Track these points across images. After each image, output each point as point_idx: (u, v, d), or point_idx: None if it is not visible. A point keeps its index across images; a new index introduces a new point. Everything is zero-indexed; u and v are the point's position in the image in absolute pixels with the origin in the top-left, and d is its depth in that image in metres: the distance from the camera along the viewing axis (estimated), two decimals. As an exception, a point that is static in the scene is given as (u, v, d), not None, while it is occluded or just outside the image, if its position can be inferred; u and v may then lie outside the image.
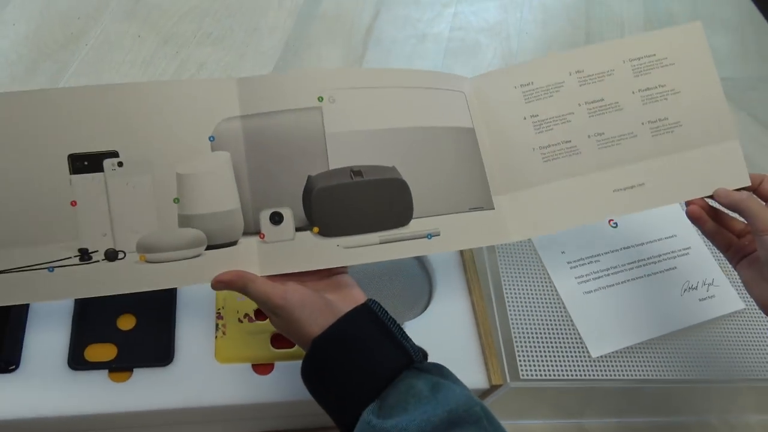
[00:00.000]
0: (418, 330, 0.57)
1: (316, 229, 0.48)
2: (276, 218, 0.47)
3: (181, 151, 0.46)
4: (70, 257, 0.45)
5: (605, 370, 0.58)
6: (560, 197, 0.54)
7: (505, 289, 0.61)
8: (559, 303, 0.61)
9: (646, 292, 0.64)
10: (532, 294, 0.62)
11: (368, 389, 0.42)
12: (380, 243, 0.49)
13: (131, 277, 0.45)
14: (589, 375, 0.58)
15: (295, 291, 0.45)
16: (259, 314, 0.57)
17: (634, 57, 0.56)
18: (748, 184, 0.55)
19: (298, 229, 0.47)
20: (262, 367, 0.55)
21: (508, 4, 1.09)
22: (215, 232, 0.46)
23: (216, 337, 0.55)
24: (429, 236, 0.50)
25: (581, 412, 0.68)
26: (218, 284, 0.45)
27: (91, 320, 0.54)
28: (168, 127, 0.46)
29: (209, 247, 0.46)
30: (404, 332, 0.44)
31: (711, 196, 0.55)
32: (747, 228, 0.55)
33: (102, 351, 0.53)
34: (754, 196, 0.53)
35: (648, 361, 0.59)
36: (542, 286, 0.62)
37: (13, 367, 0.50)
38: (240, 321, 0.56)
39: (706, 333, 0.63)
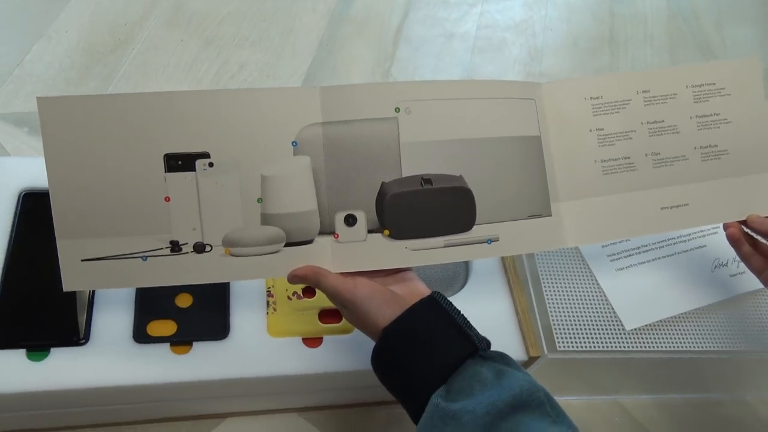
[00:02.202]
0: (457, 306, 0.59)
1: (386, 232, 0.51)
2: (350, 220, 0.50)
3: (266, 155, 0.49)
4: (162, 248, 0.49)
5: (639, 342, 0.60)
6: (614, 210, 0.57)
7: (540, 266, 0.64)
8: (592, 279, 0.64)
9: (677, 269, 0.66)
10: (565, 271, 0.64)
11: (436, 376, 0.44)
12: (444, 246, 0.52)
13: (216, 269, 0.49)
14: (624, 347, 0.60)
15: (363, 285, 0.48)
16: (307, 292, 0.60)
17: (697, 83, 0.58)
18: None
19: (370, 231, 0.51)
20: (311, 341, 0.58)
21: (533, 2, 1.12)
22: (294, 230, 0.50)
23: (267, 313, 0.58)
24: (489, 241, 0.53)
25: (617, 389, 0.70)
26: (294, 278, 0.49)
27: (152, 299, 0.57)
28: (255, 132, 0.49)
29: (288, 244, 0.50)
30: (468, 322, 0.47)
31: (744, 221, 0.59)
32: None
33: (163, 327, 0.56)
34: None
35: (681, 334, 0.61)
36: (576, 263, 0.65)
37: (84, 340, 0.54)
38: (289, 299, 0.60)
39: (739, 307, 0.64)
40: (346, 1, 1.02)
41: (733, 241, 0.59)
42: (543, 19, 1.10)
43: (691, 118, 0.58)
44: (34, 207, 0.59)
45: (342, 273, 0.49)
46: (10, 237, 0.57)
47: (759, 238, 0.59)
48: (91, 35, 0.88)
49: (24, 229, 0.58)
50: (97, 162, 0.47)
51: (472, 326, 0.47)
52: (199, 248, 0.49)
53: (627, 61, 1.07)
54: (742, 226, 0.59)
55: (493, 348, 0.47)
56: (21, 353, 0.52)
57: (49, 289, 0.55)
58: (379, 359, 0.47)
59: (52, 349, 0.53)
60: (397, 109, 0.51)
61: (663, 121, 0.58)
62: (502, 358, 0.46)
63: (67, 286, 0.48)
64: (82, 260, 0.48)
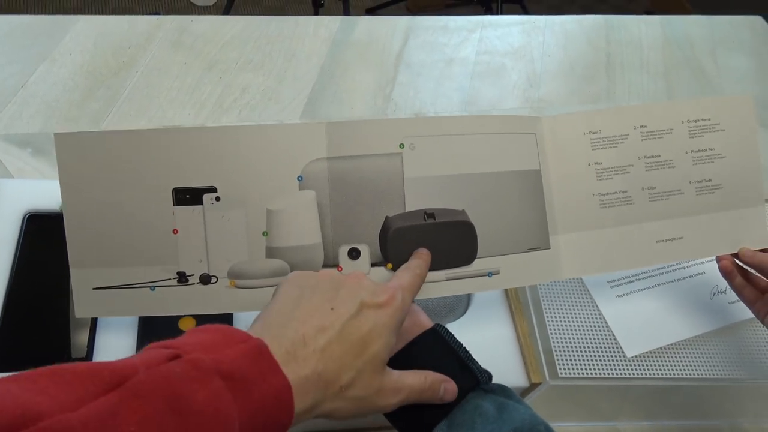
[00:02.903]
0: (457, 333, 0.59)
1: (389, 265, 0.52)
2: (354, 253, 0.51)
3: (272, 189, 0.50)
4: (170, 279, 0.50)
5: (640, 369, 0.60)
6: (610, 243, 0.58)
7: (541, 293, 0.64)
8: (593, 306, 0.64)
9: (677, 296, 0.66)
10: (567, 297, 0.65)
11: (437, 409, 0.44)
12: (446, 280, 0.53)
13: (221, 300, 0.50)
14: (625, 373, 0.60)
15: None
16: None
17: (692, 119, 0.60)
18: None
19: (373, 265, 0.52)
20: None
21: (531, 28, 1.14)
22: (298, 263, 0.51)
23: (270, 338, 0.58)
24: (489, 274, 0.54)
25: (616, 415, 0.70)
26: None
27: (155, 321, 0.57)
28: (262, 167, 0.50)
29: None
30: (470, 355, 0.47)
31: (736, 254, 0.60)
32: None
33: (165, 350, 0.56)
34: None
35: (681, 361, 0.62)
36: (577, 290, 0.65)
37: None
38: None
39: (738, 334, 0.65)
40: (347, 26, 1.04)
41: (726, 273, 0.61)
42: (541, 45, 1.11)
43: (686, 152, 0.60)
44: (38, 229, 0.60)
45: None
46: (14, 258, 0.57)
47: (751, 270, 0.60)
48: (95, 58, 0.89)
49: (28, 251, 0.58)
50: (109, 195, 0.49)
51: (473, 359, 0.47)
52: (205, 279, 0.50)
53: (624, 86, 1.08)
54: (735, 259, 0.61)
55: (495, 373, 0.48)
56: (23, 377, 0.52)
57: (53, 309, 0.55)
58: None
59: (55, 372, 0.53)
60: (402, 145, 0.52)
61: (659, 155, 0.59)
62: (503, 390, 0.46)
63: (79, 313, 0.50)
64: (94, 288, 0.49)
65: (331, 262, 0.51)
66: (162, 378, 0.31)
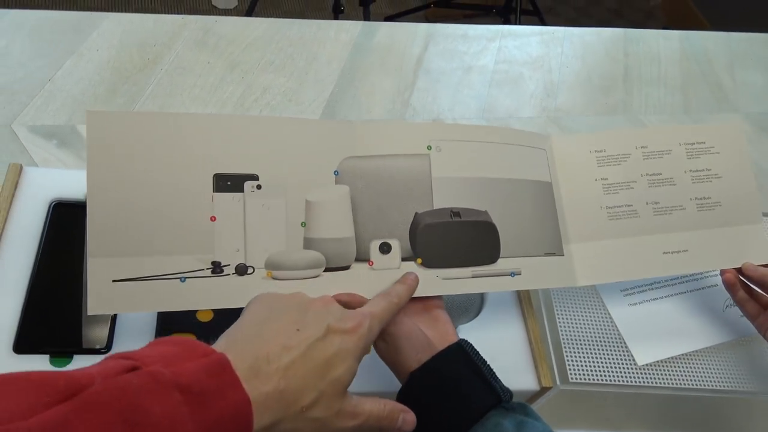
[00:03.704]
0: (470, 335, 0.60)
1: (419, 261, 0.53)
2: (385, 248, 0.52)
3: (310, 181, 0.51)
4: (203, 269, 0.48)
5: (650, 378, 0.61)
6: (620, 252, 0.61)
7: (554, 298, 0.65)
8: (605, 313, 0.65)
9: (689, 306, 0.67)
10: (579, 303, 0.65)
11: (458, 425, 0.45)
12: (472, 277, 0.54)
13: (257, 292, 0.46)
14: (635, 382, 0.60)
15: (402, 323, 0.49)
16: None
17: (689, 142, 0.64)
18: None
19: (403, 260, 0.53)
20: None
21: (549, 39, 1.15)
22: (333, 256, 0.51)
23: (285, 332, 0.59)
24: (512, 274, 0.56)
25: (624, 424, 0.71)
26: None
27: (174, 311, 0.59)
28: (301, 159, 0.51)
29: (326, 269, 0.51)
30: (494, 372, 0.48)
31: (740, 269, 0.63)
32: None
33: (183, 340, 0.57)
34: None
35: (692, 372, 0.62)
36: (589, 296, 0.66)
37: (105, 349, 0.55)
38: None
39: (749, 347, 0.65)
40: (368, 31, 1.05)
41: (729, 286, 0.63)
42: (559, 56, 1.12)
43: (685, 172, 0.64)
44: (63, 217, 0.61)
45: None
46: (39, 244, 0.58)
47: (753, 286, 0.63)
48: (121, 54, 0.91)
49: (53, 238, 0.59)
50: (141, 178, 0.47)
51: (496, 376, 0.48)
52: (242, 270, 0.48)
53: (641, 98, 1.09)
54: (738, 274, 0.63)
55: (505, 376, 0.48)
56: (44, 359, 0.53)
57: (75, 297, 0.56)
58: (403, 401, 0.47)
59: (75, 356, 0.54)
60: (429, 147, 0.55)
61: (660, 173, 0.63)
62: (523, 408, 0.47)
63: (92, 309, 0.46)
64: (113, 281, 0.46)
65: (362, 257, 0.52)
66: (118, 389, 0.30)
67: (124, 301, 0.47)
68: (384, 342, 0.49)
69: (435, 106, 0.97)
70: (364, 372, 0.55)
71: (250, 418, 0.35)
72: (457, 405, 0.46)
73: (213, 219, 0.48)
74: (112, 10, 2.28)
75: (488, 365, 0.48)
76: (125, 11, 2.26)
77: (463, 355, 0.48)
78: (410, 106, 0.96)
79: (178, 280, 0.47)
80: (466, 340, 0.49)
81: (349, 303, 0.49)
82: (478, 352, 0.49)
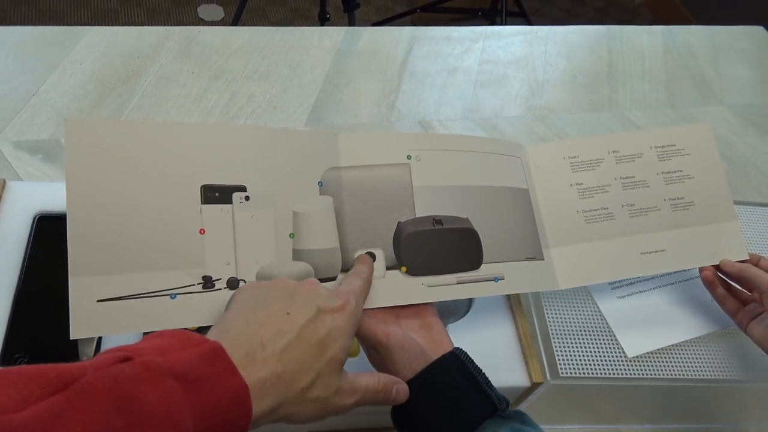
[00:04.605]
0: (459, 333, 0.60)
1: (404, 269, 0.53)
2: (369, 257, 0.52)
3: (296, 192, 0.50)
4: (194, 284, 0.45)
5: (641, 370, 0.61)
6: (599, 254, 0.62)
7: (543, 294, 0.65)
8: (594, 306, 0.65)
9: (678, 298, 0.67)
10: (568, 299, 0.65)
11: None
12: (457, 283, 0.54)
13: None
14: (626, 374, 0.60)
15: (396, 333, 0.48)
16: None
17: (659, 145, 0.66)
18: (747, 258, 0.63)
19: (388, 268, 0.53)
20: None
21: (533, 39, 1.16)
22: (320, 266, 0.51)
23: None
24: (496, 280, 0.56)
25: (617, 419, 0.70)
26: None
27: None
28: (288, 169, 0.50)
29: None
30: (489, 381, 0.48)
31: (717, 266, 0.64)
32: (750, 297, 0.62)
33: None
34: (753, 266, 0.62)
35: (683, 362, 0.62)
36: (577, 291, 0.66)
37: (93, 361, 0.55)
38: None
39: (739, 336, 0.65)
40: (352, 36, 1.06)
41: (708, 284, 0.64)
42: (543, 55, 1.13)
43: (658, 174, 0.65)
44: (47, 230, 0.61)
45: (373, 315, 0.50)
46: (24, 258, 0.58)
47: (732, 282, 0.64)
48: (105, 67, 0.91)
49: (38, 251, 0.59)
50: (125, 190, 0.44)
51: (492, 385, 0.48)
52: (233, 284, 0.46)
53: (625, 94, 1.09)
54: (716, 271, 0.64)
55: (496, 373, 0.48)
56: (31, 373, 0.53)
57: (61, 309, 0.56)
58: (399, 412, 0.47)
59: (62, 370, 0.54)
60: (409, 157, 0.56)
61: (634, 176, 0.65)
62: (519, 416, 0.47)
63: (75, 333, 0.42)
64: (98, 300, 0.43)
65: (348, 267, 0.51)
66: (111, 379, 0.30)
67: (110, 323, 0.43)
68: (377, 352, 0.48)
69: (420, 108, 0.97)
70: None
71: (249, 404, 0.35)
72: (453, 414, 0.45)
73: (202, 232, 0.46)
74: (100, 25, 2.29)
75: (483, 373, 0.48)
76: (113, 26, 2.26)
77: (457, 364, 0.48)
78: (396, 109, 0.96)
79: (168, 297, 0.44)
80: (461, 349, 0.49)
81: None
82: (472, 360, 0.48)
